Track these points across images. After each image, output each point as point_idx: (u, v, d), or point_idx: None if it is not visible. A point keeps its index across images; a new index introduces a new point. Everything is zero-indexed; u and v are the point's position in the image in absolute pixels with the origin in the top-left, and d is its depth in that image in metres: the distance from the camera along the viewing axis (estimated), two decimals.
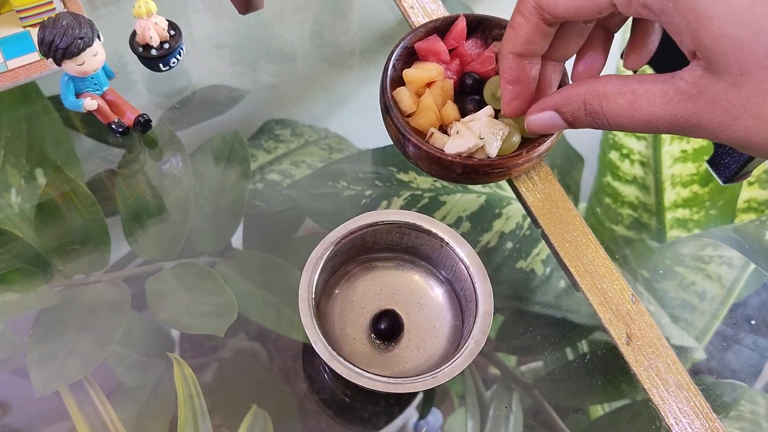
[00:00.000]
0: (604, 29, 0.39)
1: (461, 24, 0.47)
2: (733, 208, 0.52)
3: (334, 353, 0.36)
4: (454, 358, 0.37)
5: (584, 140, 0.53)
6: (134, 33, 0.50)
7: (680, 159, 0.53)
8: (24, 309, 0.44)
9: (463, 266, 0.40)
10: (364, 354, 0.40)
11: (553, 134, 0.44)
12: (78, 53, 0.43)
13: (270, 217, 0.49)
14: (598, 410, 0.43)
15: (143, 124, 0.49)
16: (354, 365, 0.36)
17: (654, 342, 0.42)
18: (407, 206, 0.50)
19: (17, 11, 0.52)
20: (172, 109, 0.53)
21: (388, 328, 0.40)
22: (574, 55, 0.40)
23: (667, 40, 0.34)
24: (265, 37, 0.58)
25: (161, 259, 0.46)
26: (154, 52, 0.50)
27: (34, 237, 0.47)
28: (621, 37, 0.39)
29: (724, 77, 0.30)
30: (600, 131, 0.54)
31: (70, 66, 0.44)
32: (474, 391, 0.44)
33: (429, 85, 0.46)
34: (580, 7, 0.34)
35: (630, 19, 0.38)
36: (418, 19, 0.53)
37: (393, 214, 0.41)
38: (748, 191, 0.53)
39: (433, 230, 0.41)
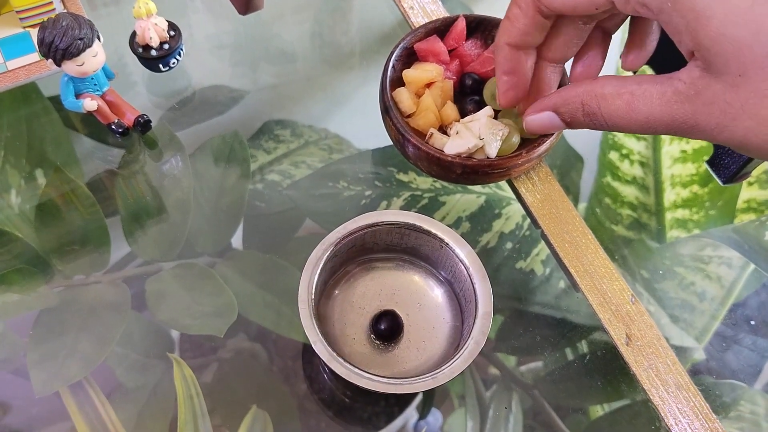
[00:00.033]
0: (602, 30, 0.39)
1: (461, 25, 0.47)
2: (733, 209, 0.52)
3: (334, 354, 0.36)
4: (454, 359, 0.37)
5: (584, 140, 0.53)
6: (134, 33, 0.50)
7: (680, 159, 0.53)
8: (24, 309, 0.44)
9: (462, 267, 0.40)
10: (363, 354, 0.41)
11: (552, 135, 0.44)
12: (78, 54, 0.43)
13: (270, 218, 0.49)
14: (598, 410, 0.43)
15: (143, 124, 0.49)
16: (354, 366, 0.36)
17: (653, 342, 0.42)
18: (407, 207, 0.50)
19: (17, 12, 0.52)
20: (171, 109, 0.53)
21: (387, 328, 0.40)
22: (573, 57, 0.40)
23: (666, 40, 0.34)
24: (265, 38, 0.58)
25: (161, 260, 0.46)
26: (153, 52, 0.50)
27: (34, 237, 0.47)
28: (620, 38, 0.39)
29: (722, 78, 0.30)
30: (599, 131, 0.54)
31: (70, 66, 0.44)
32: (474, 391, 0.44)
33: (429, 85, 0.46)
34: (578, 1, 0.34)
35: (628, 20, 0.38)
36: (418, 19, 0.53)
37: (393, 214, 0.41)
38: (747, 191, 0.53)
39: (433, 231, 0.41)
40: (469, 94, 0.46)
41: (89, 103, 0.47)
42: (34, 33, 0.52)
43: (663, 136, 0.54)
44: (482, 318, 0.38)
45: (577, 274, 0.44)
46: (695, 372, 0.45)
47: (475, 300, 0.39)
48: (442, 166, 0.43)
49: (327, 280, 0.42)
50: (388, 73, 0.46)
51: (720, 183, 0.51)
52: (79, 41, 0.43)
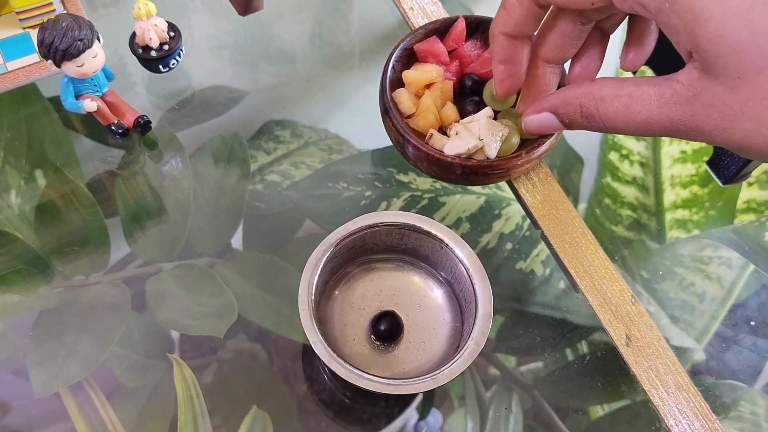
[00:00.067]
0: (600, 31, 0.39)
1: (460, 25, 0.47)
2: (733, 209, 0.52)
3: (334, 354, 0.36)
4: (454, 360, 0.37)
5: (584, 141, 0.53)
6: (134, 34, 0.50)
7: (680, 160, 0.53)
8: (24, 310, 0.44)
9: (462, 267, 0.40)
10: (363, 355, 0.41)
11: (552, 135, 0.44)
12: (78, 55, 0.43)
13: (270, 218, 0.49)
14: (598, 411, 0.43)
15: (143, 125, 0.49)
16: (353, 366, 0.36)
17: (653, 343, 0.42)
18: (407, 207, 0.50)
19: (17, 12, 0.52)
20: (171, 110, 0.53)
21: (387, 329, 0.40)
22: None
23: (666, 40, 0.34)
24: (264, 38, 0.58)
25: (161, 260, 0.46)
26: (153, 53, 0.50)
27: (34, 238, 0.47)
28: (620, 38, 0.39)
29: (721, 79, 0.29)
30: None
31: (70, 67, 0.44)
32: (474, 391, 0.44)
33: (428, 86, 0.46)
34: None
35: (626, 21, 0.38)
36: (418, 20, 0.53)
37: (392, 215, 0.41)
38: (747, 192, 0.53)
39: (433, 231, 0.41)
40: (468, 94, 0.46)
41: (89, 104, 0.47)
42: (33, 34, 0.52)
43: (663, 137, 0.54)
44: (482, 319, 0.38)
45: (576, 274, 0.44)
46: (695, 372, 0.45)
47: (475, 301, 0.39)
48: (442, 166, 0.43)
49: (327, 281, 0.42)
50: (388, 73, 0.46)
51: (720, 183, 0.51)
52: (79, 42, 0.43)
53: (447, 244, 0.41)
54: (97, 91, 0.48)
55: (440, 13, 0.53)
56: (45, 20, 0.43)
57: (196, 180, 0.50)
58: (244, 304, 0.45)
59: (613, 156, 0.53)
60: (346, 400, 0.43)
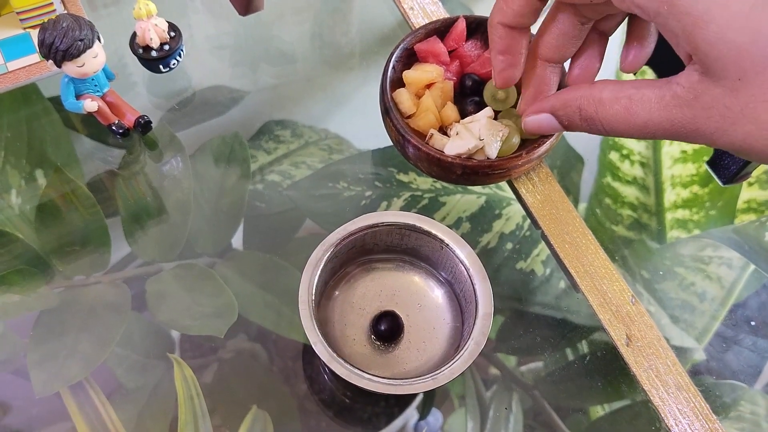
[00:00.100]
0: (598, 33, 0.39)
1: (461, 25, 0.47)
2: (733, 209, 0.52)
3: (334, 355, 0.36)
4: (454, 360, 0.37)
5: (584, 141, 0.53)
6: (134, 34, 0.50)
7: (680, 160, 0.53)
8: (24, 310, 0.44)
9: (462, 268, 0.40)
10: (364, 355, 0.41)
11: (552, 135, 0.44)
12: (78, 55, 0.43)
13: (270, 218, 0.49)
14: (598, 411, 0.43)
15: (143, 125, 0.49)
16: (354, 366, 0.36)
17: (654, 343, 0.42)
18: (407, 207, 0.50)
19: (17, 13, 0.52)
20: (172, 110, 0.53)
21: (388, 329, 0.40)
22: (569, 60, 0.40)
23: (667, 42, 0.34)
24: (265, 39, 0.58)
25: (161, 260, 0.46)
26: (154, 53, 0.50)
27: (35, 238, 0.47)
28: (620, 39, 0.39)
29: (721, 82, 0.29)
30: None
31: (71, 67, 0.44)
32: (474, 391, 0.44)
33: (429, 86, 0.46)
34: None
35: (625, 23, 0.38)
36: (418, 20, 0.53)
37: (393, 215, 0.41)
38: (747, 192, 0.53)
39: (433, 231, 0.41)
40: (469, 95, 0.46)
41: (89, 104, 0.47)
42: (34, 34, 0.52)
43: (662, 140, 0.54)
44: (482, 319, 0.38)
45: (577, 274, 0.44)
46: (695, 372, 0.45)
47: (476, 301, 0.39)
48: (443, 166, 0.43)
49: (327, 281, 0.42)
50: (388, 73, 0.46)
51: (720, 183, 0.51)
52: (80, 42, 0.43)
53: (447, 244, 0.41)
54: (98, 91, 0.48)
55: (440, 13, 0.53)
56: (45, 20, 0.43)
57: (196, 180, 0.50)
58: (244, 304, 0.45)
59: (614, 156, 0.53)
60: (346, 400, 0.43)
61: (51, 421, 0.41)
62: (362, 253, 0.43)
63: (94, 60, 0.45)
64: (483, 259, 0.40)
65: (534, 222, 0.46)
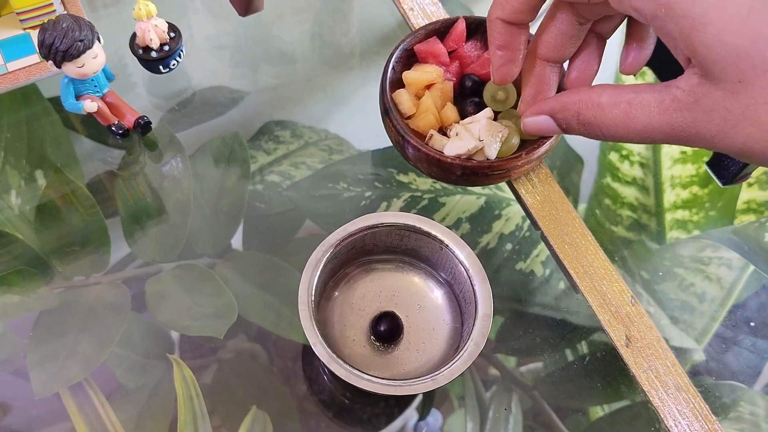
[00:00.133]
0: (596, 35, 0.39)
1: (461, 26, 0.47)
2: (733, 210, 0.52)
3: (334, 355, 0.36)
4: (454, 361, 0.37)
5: (584, 142, 0.53)
6: (134, 35, 0.50)
7: (680, 160, 0.53)
8: (24, 311, 0.44)
9: (462, 268, 0.40)
10: (363, 356, 0.41)
11: (552, 136, 0.44)
12: (78, 55, 0.43)
13: (270, 219, 0.49)
14: (598, 411, 0.43)
15: (143, 126, 0.49)
16: (353, 367, 0.36)
17: (653, 344, 0.42)
18: (407, 207, 0.50)
19: (17, 13, 0.52)
20: (171, 110, 0.53)
21: (387, 330, 0.40)
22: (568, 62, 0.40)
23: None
24: (265, 39, 0.58)
25: (161, 261, 0.46)
26: (154, 54, 0.50)
27: (34, 239, 0.47)
28: (620, 40, 0.39)
29: (722, 84, 0.29)
30: None
31: (70, 68, 0.44)
32: (474, 392, 0.44)
33: (428, 87, 0.46)
34: None
35: (624, 25, 0.38)
36: (418, 21, 0.53)
37: (392, 216, 0.41)
38: (747, 192, 0.53)
39: (433, 232, 0.41)
40: (468, 95, 0.46)
41: (89, 105, 0.47)
42: (34, 34, 0.52)
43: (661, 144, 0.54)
44: (482, 320, 0.38)
45: (576, 275, 0.44)
46: (695, 373, 0.45)
47: (475, 301, 0.39)
48: (442, 167, 0.43)
49: (327, 282, 0.42)
50: (388, 74, 0.46)
51: (720, 184, 0.51)
52: (80, 43, 0.43)
53: (447, 245, 0.41)
54: (98, 91, 0.48)
55: (440, 14, 0.53)
56: (45, 21, 0.43)
57: (196, 180, 0.50)
58: (244, 305, 0.45)
59: (613, 156, 0.53)
60: (346, 400, 0.43)
61: (50, 421, 0.41)
62: (362, 254, 0.43)
63: (93, 61, 0.45)
64: (483, 259, 0.40)
65: (533, 223, 0.46)
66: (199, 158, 0.51)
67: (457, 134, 0.43)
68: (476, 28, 0.48)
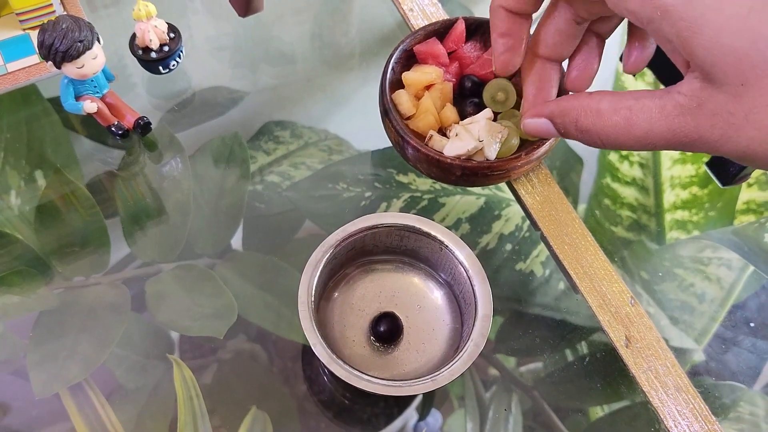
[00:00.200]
0: (595, 35, 0.39)
1: (460, 27, 0.47)
2: (733, 210, 0.52)
3: (334, 356, 0.36)
4: (454, 361, 0.37)
5: None
6: (134, 36, 0.50)
7: (679, 161, 0.53)
8: (24, 311, 0.44)
9: (462, 269, 0.40)
10: (363, 356, 0.41)
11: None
12: (78, 56, 0.43)
13: (269, 219, 0.49)
14: (598, 412, 0.43)
15: (143, 126, 0.49)
16: (353, 368, 0.36)
17: (653, 344, 0.42)
18: (407, 208, 0.50)
19: (17, 14, 0.52)
20: (171, 111, 0.53)
21: (387, 330, 0.40)
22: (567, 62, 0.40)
23: None
24: (264, 39, 0.58)
25: (161, 261, 0.46)
26: (153, 54, 0.50)
27: (34, 239, 0.47)
28: (620, 41, 0.39)
29: (724, 88, 0.29)
30: None
31: (70, 69, 0.44)
32: (473, 392, 0.44)
33: (428, 87, 0.46)
34: None
35: (626, 24, 0.38)
36: (418, 21, 0.53)
37: (392, 216, 0.41)
38: (747, 193, 0.53)
39: (433, 233, 0.41)
40: (468, 96, 0.46)
41: (89, 105, 0.47)
42: (34, 35, 0.52)
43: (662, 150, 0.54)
44: (482, 320, 0.38)
45: (576, 275, 0.44)
46: (695, 373, 0.45)
47: (475, 302, 0.39)
48: (442, 168, 0.43)
49: (326, 282, 0.42)
50: (388, 75, 0.46)
51: (719, 185, 0.51)
52: (79, 43, 0.43)
53: (447, 246, 0.41)
54: (97, 92, 0.48)
55: (440, 15, 0.53)
56: (45, 21, 0.43)
57: (195, 181, 0.50)
58: (243, 305, 0.45)
59: (613, 157, 0.53)
60: (345, 401, 0.43)
61: (50, 422, 0.41)
62: (362, 255, 0.43)
63: (93, 61, 0.45)
64: (482, 260, 0.40)
65: (533, 223, 0.46)
66: (199, 159, 0.51)
67: (456, 135, 0.43)
68: (476, 29, 0.48)
